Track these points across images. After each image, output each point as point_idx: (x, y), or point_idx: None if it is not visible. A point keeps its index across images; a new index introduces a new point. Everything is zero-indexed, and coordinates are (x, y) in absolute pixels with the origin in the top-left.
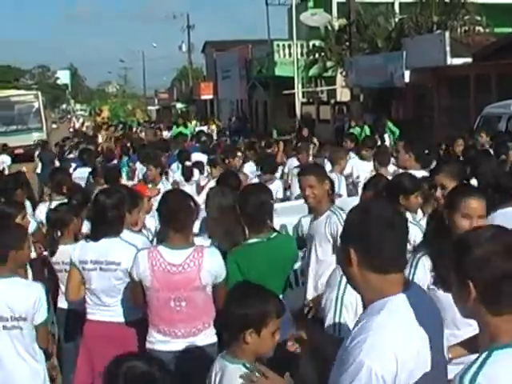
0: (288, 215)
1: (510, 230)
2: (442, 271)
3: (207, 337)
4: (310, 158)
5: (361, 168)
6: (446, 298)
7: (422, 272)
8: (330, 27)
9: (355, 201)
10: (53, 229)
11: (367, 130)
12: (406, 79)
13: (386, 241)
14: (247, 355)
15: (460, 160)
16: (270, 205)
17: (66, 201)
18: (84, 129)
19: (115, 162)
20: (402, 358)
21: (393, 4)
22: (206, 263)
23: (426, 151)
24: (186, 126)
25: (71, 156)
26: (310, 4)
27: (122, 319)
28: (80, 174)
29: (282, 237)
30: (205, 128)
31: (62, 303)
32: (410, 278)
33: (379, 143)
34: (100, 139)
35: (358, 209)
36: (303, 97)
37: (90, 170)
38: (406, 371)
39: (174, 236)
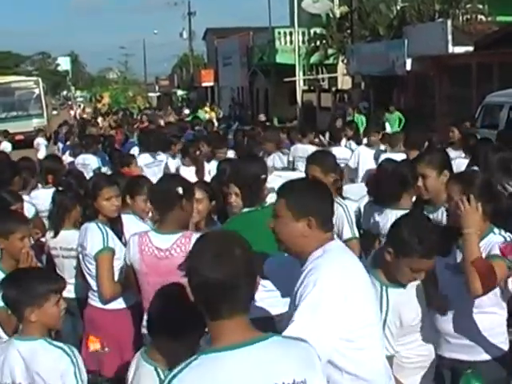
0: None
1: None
2: None
3: None
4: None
5: (364, 155)
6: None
7: None
8: (331, 14)
9: (359, 188)
10: (57, 211)
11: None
12: (408, 67)
13: (329, 208)
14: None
15: (442, 149)
16: (264, 176)
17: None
18: (85, 115)
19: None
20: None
21: None
22: None
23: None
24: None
25: (68, 143)
26: None
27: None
28: (82, 161)
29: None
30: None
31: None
32: None
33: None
34: (100, 124)
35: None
36: (304, 84)
37: (92, 156)
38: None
39: (163, 221)
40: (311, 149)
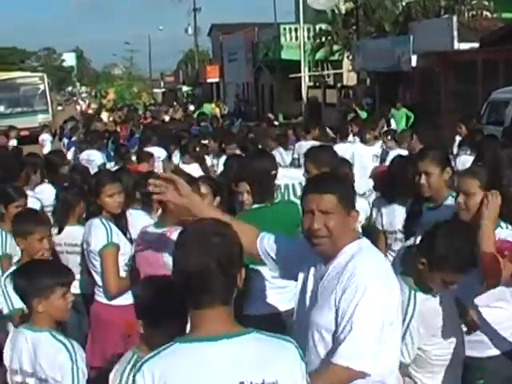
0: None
1: None
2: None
3: None
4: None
5: (359, 152)
6: None
7: None
8: (336, 11)
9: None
10: (61, 207)
11: (364, 114)
12: (413, 63)
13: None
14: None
15: (444, 146)
16: (274, 172)
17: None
18: (90, 111)
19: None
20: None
21: None
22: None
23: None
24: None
25: (74, 138)
26: None
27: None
28: (87, 157)
29: (286, 202)
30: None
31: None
32: None
33: (385, 128)
34: (105, 120)
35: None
36: (309, 80)
37: (97, 152)
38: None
39: (161, 215)
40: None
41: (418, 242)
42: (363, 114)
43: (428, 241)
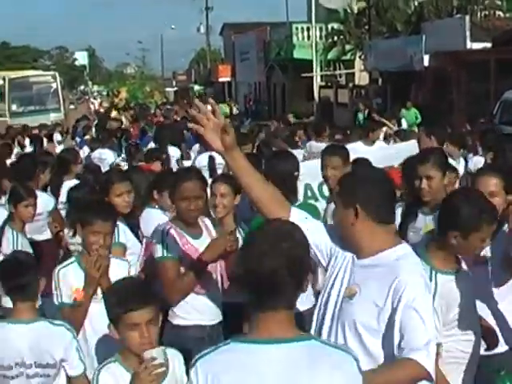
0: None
1: None
2: None
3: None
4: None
5: (361, 152)
6: None
7: None
8: (349, 10)
9: None
10: (73, 208)
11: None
12: (426, 63)
13: (385, 196)
14: None
15: (440, 149)
16: (297, 173)
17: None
18: (102, 110)
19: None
20: None
21: None
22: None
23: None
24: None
25: (87, 137)
26: None
27: None
28: (99, 155)
29: (305, 204)
30: None
31: None
32: None
33: (395, 127)
34: (124, 121)
35: (357, 172)
36: (321, 80)
37: (108, 150)
38: None
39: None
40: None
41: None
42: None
43: (451, 214)
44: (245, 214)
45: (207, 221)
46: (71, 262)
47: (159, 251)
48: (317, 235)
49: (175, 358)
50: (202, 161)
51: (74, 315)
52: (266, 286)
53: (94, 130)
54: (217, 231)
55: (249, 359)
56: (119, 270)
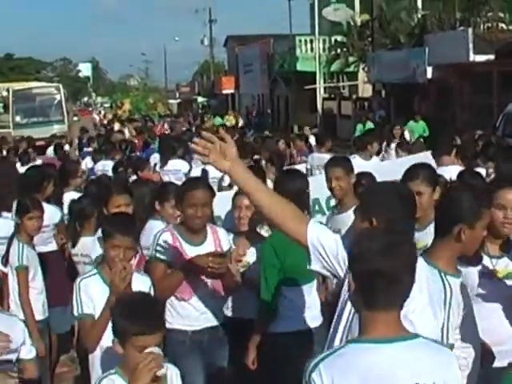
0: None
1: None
2: None
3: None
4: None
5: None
6: None
7: None
8: (352, 22)
9: None
10: (75, 220)
11: (370, 125)
12: (429, 75)
13: (399, 209)
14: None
15: (429, 164)
16: (306, 192)
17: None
18: (105, 121)
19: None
20: None
21: (416, 0)
22: None
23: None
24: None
25: (89, 149)
26: None
27: None
28: (102, 167)
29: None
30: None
31: None
32: None
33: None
34: (127, 132)
35: (374, 186)
36: (325, 92)
37: (111, 162)
38: None
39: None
40: (327, 157)
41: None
42: (370, 125)
43: (455, 209)
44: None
45: (220, 230)
46: (93, 274)
47: (150, 251)
48: (335, 246)
49: (173, 372)
50: (196, 174)
51: (95, 327)
52: (387, 283)
53: (96, 141)
54: (237, 243)
55: (369, 359)
56: (141, 285)
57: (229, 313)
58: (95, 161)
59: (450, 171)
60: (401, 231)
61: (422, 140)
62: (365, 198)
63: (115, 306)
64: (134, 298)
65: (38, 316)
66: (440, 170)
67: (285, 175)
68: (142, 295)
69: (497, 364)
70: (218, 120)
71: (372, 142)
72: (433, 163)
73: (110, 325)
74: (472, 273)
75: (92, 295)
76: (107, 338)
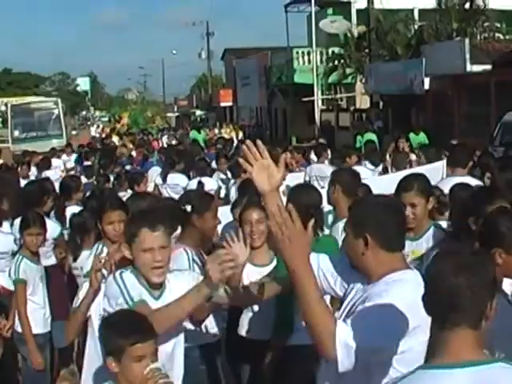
0: None
1: None
2: None
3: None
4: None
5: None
6: None
7: None
8: (349, 34)
9: None
10: (75, 233)
11: (370, 136)
12: (426, 86)
13: (394, 223)
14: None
15: (423, 174)
16: (322, 206)
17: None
18: (104, 135)
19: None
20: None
21: (412, 11)
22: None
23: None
24: (199, 132)
25: (88, 163)
26: (330, 11)
27: None
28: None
29: (327, 237)
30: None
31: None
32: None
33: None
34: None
35: (366, 201)
36: (322, 104)
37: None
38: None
39: (181, 234)
40: (326, 168)
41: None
42: (372, 136)
43: (494, 232)
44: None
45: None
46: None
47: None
48: (330, 267)
49: None
50: (192, 186)
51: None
52: (463, 301)
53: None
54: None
55: None
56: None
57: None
58: (88, 176)
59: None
60: (473, 252)
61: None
62: (357, 213)
63: (103, 327)
64: (118, 314)
65: (39, 329)
66: (452, 181)
67: (300, 189)
68: (125, 310)
69: None
70: (194, 134)
71: (351, 154)
72: (441, 173)
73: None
74: None
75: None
76: (98, 357)
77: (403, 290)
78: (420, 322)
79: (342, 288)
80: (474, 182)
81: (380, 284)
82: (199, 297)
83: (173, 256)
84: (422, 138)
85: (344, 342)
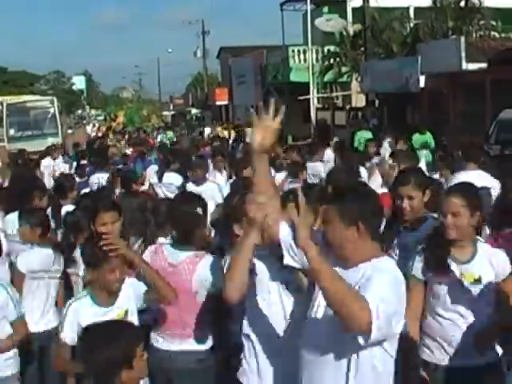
0: None
1: None
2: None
3: (196, 343)
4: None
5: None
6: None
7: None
8: (344, 32)
9: None
10: (69, 232)
11: (365, 134)
12: (421, 84)
13: (380, 214)
14: None
15: (419, 168)
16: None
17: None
18: (99, 134)
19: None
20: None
21: (408, 9)
22: (200, 269)
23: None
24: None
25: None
26: (325, 9)
27: None
28: (97, 180)
29: None
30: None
31: None
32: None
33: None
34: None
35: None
36: (318, 102)
37: (106, 174)
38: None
39: (179, 237)
40: (320, 166)
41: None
42: (368, 134)
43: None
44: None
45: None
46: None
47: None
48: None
49: None
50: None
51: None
52: None
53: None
54: None
55: None
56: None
57: None
58: (80, 175)
59: (472, 176)
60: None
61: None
62: (350, 202)
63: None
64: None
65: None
66: (466, 174)
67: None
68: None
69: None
70: (170, 135)
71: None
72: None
73: None
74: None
75: (81, 320)
76: None
77: (395, 267)
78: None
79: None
80: (484, 175)
81: (372, 265)
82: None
83: None
84: (428, 138)
85: (378, 312)
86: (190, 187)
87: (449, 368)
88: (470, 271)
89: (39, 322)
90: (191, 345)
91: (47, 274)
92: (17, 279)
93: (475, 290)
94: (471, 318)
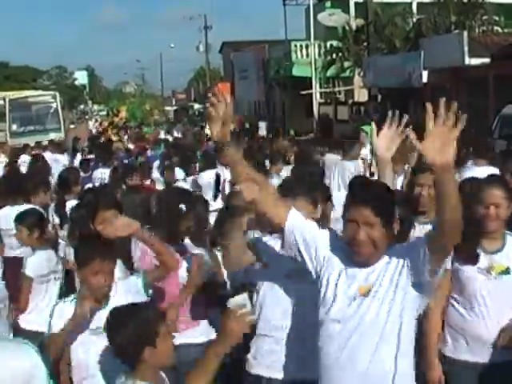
0: None
1: None
2: None
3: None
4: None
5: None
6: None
7: None
8: (347, 27)
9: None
10: (75, 227)
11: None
12: (424, 79)
13: None
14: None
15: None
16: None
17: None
18: (101, 129)
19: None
20: None
21: (410, 4)
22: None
23: None
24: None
25: (90, 156)
26: (328, 4)
27: None
28: (100, 175)
29: None
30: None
31: None
32: None
33: None
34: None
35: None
36: (321, 97)
37: (109, 169)
38: None
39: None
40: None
41: None
42: (367, 128)
43: None
44: None
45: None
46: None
47: None
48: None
49: None
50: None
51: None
52: None
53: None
54: None
55: None
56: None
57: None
58: (85, 171)
59: (483, 172)
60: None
61: None
62: (388, 203)
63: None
64: None
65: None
66: (476, 170)
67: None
68: None
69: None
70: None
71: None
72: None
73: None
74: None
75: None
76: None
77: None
78: None
79: (317, 266)
80: (495, 170)
81: (389, 252)
82: None
83: None
84: None
85: None
86: (189, 181)
87: (472, 364)
88: (499, 262)
89: None
90: (194, 338)
91: (54, 274)
92: (25, 284)
93: (503, 280)
94: (498, 311)
